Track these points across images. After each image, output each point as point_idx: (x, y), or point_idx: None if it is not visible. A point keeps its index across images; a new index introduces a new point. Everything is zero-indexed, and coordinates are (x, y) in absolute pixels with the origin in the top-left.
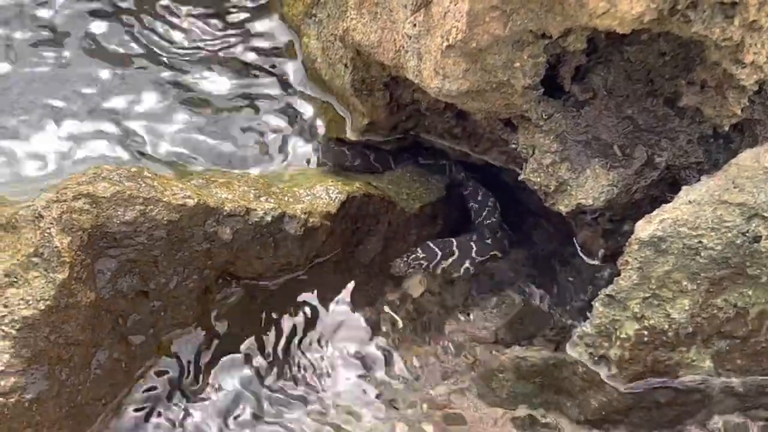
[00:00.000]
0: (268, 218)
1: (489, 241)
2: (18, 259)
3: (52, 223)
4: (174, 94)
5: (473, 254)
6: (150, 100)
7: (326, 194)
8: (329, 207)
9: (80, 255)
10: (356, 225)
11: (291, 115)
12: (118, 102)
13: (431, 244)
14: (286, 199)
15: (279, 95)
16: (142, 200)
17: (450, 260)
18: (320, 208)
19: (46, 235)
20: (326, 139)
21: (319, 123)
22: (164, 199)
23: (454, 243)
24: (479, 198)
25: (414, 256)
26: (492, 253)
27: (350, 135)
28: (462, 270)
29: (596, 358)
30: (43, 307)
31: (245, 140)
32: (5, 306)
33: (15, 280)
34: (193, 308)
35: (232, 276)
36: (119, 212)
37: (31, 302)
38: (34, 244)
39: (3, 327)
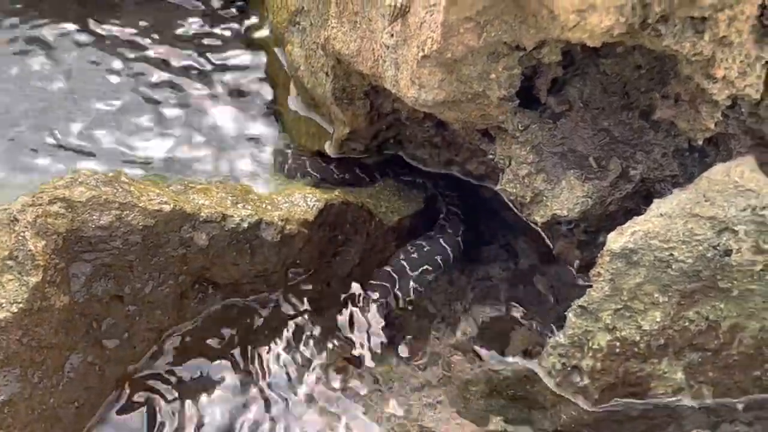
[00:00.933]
0: (245, 224)
1: (415, 255)
2: None
3: (26, 227)
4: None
5: (409, 272)
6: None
7: (304, 201)
8: (307, 214)
9: (54, 259)
10: (334, 233)
11: (267, 129)
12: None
13: (375, 282)
14: (263, 206)
15: (255, 110)
16: (118, 205)
17: (397, 287)
18: (297, 215)
19: (20, 238)
20: (307, 153)
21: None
22: (140, 205)
23: (390, 272)
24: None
25: (371, 299)
26: (423, 267)
27: (331, 146)
28: (411, 292)
29: (569, 369)
30: (15, 310)
31: (221, 156)
32: None
33: None
34: (168, 313)
35: (208, 282)
36: (95, 217)
37: (4, 305)
38: (8, 248)
39: None
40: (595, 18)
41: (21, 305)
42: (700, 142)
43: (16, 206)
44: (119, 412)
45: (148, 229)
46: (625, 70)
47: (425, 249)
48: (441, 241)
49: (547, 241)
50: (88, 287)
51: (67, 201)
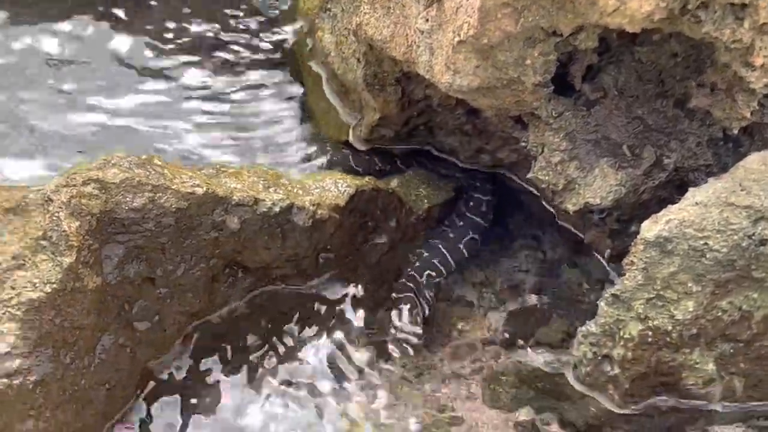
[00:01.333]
0: (276, 209)
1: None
2: (26, 242)
3: (60, 207)
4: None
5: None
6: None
7: (335, 187)
8: (338, 199)
9: (88, 240)
10: (364, 219)
11: (297, 119)
12: None
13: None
14: (294, 190)
15: (284, 101)
16: (151, 187)
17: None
18: (329, 200)
19: (54, 218)
20: (334, 142)
21: (327, 126)
22: (173, 187)
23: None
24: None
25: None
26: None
27: (360, 133)
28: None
29: (599, 358)
30: (49, 290)
31: (251, 145)
32: (12, 288)
33: (22, 262)
34: (199, 296)
35: (239, 266)
36: (128, 198)
37: (37, 285)
38: (42, 228)
39: (9, 309)
40: (635, 3)
41: (54, 285)
42: (736, 132)
43: (50, 187)
44: (151, 397)
45: (180, 212)
46: (660, 57)
47: (425, 255)
48: (441, 247)
49: (575, 232)
50: (121, 269)
51: (100, 182)
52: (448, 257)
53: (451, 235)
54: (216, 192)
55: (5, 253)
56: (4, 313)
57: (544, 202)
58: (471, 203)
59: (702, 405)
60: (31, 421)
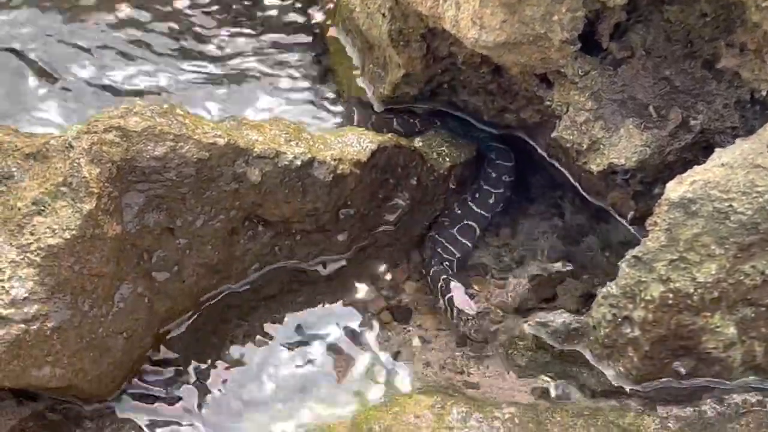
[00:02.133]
0: (298, 162)
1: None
2: (46, 188)
3: (81, 154)
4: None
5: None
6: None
7: (357, 142)
8: (359, 155)
9: (108, 187)
10: (385, 176)
11: (320, 79)
12: None
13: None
14: (316, 145)
15: (308, 61)
16: (172, 136)
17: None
18: (350, 155)
19: (75, 165)
20: (356, 102)
21: (349, 85)
22: (195, 137)
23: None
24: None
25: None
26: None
27: (385, 90)
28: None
29: (619, 320)
30: (68, 237)
31: (273, 104)
32: (32, 234)
33: (42, 208)
34: (218, 249)
35: (259, 219)
36: (149, 147)
37: (57, 231)
38: (62, 174)
39: (28, 254)
40: None
41: (74, 232)
42: (764, 93)
43: (71, 133)
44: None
45: (201, 162)
46: (689, 17)
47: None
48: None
49: (590, 199)
50: (141, 218)
51: (122, 130)
52: (476, 229)
53: (476, 208)
54: (237, 143)
55: (25, 199)
56: (22, 259)
57: (563, 169)
58: (494, 173)
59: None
60: (48, 367)
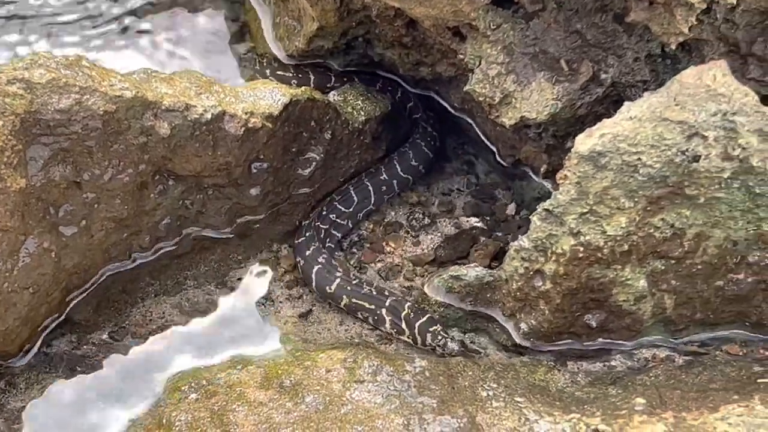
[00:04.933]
0: (208, 116)
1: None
2: None
3: None
4: None
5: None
6: None
7: (270, 95)
8: (272, 108)
9: (11, 140)
10: (299, 130)
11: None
12: None
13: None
14: (227, 98)
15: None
16: (78, 89)
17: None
18: (262, 108)
19: None
20: (270, 58)
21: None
22: (101, 89)
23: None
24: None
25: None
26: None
27: (299, 43)
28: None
29: (531, 273)
30: None
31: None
32: None
33: None
34: (127, 203)
35: (170, 173)
36: (54, 99)
37: None
38: None
39: None
40: None
41: None
42: (674, 47)
43: None
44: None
45: (108, 115)
46: None
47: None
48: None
49: (500, 159)
50: (46, 171)
51: (26, 82)
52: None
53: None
54: (146, 96)
55: None
56: None
57: (477, 129)
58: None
59: None
60: None
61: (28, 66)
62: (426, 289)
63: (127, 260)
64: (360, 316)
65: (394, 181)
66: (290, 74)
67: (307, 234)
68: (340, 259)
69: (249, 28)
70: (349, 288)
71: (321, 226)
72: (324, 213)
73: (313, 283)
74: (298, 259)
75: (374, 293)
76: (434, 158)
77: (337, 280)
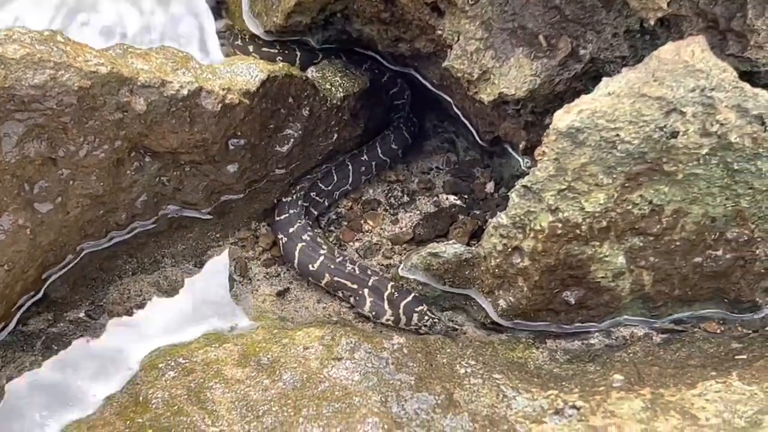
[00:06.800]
0: (184, 92)
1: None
2: None
3: None
4: None
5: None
6: None
7: (247, 71)
8: (249, 84)
9: None
10: (276, 106)
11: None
12: None
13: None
14: (204, 74)
15: None
16: (52, 64)
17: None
18: (240, 85)
19: None
20: (249, 35)
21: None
22: (76, 65)
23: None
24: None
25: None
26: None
27: (277, 19)
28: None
29: (510, 250)
30: None
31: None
32: None
33: None
34: (103, 180)
35: (146, 150)
36: (28, 75)
37: None
38: None
39: None
40: None
41: None
42: (652, 23)
43: None
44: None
45: (83, 91)
46: None
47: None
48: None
49: (478, 138)
50: (20, 148)
51: None
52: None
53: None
54: (121, 72)
55: None
56: None
57: (455, 108)
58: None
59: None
60: None
61: (2, 41)
62: (401, 271)
63: (103, 238)
64: (341, 294)
65: (373, 163)
66: (275, 50)
67: (291, 211)
68: (323, 236)
69: (226, 4)
70: (332, 266)
71: (303, 204)
72: (306, 191)
73: (296, 261)
74: (279, 236)
75: (357, 272)
76: (412, 142)
77: (321, 258)
